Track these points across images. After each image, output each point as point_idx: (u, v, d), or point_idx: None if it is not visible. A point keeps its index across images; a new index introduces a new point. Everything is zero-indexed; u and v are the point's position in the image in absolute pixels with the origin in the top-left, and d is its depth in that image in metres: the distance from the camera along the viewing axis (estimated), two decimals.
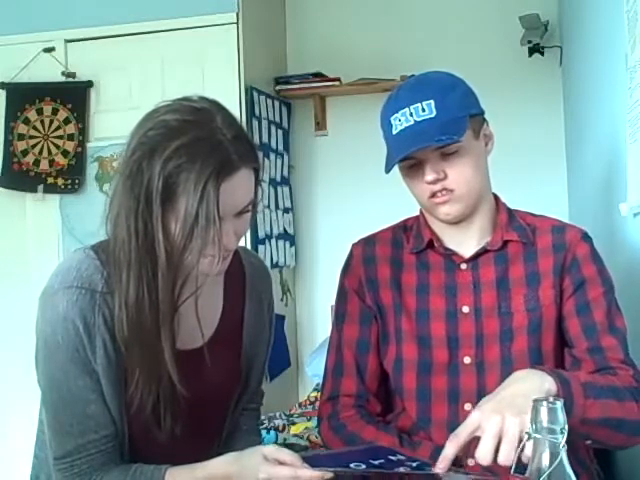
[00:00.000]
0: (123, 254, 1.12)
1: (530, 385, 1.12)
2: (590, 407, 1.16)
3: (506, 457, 1.04)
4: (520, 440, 1.03)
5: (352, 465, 1.09)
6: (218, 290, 1.30)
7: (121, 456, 1.20)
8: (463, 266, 1.39)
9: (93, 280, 1.14)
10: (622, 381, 1.25)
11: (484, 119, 1.38)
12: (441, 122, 1.28)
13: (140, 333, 1.13)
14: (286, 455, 1.07)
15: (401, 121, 1.30)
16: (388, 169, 1.31)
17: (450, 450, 1.08)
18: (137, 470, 1.16)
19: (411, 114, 1.29)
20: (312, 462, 1.07)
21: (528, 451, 1.00)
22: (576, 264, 1.36)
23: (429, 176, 1.31)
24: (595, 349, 1.30)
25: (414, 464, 1.11)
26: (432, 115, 1.28)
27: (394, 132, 1.32)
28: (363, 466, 1.09)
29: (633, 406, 1.22)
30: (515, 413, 1.06)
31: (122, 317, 1.13)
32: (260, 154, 1.19)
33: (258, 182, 1.17)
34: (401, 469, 1.10)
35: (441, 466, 1.07)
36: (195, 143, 1.08)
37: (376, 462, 1.08)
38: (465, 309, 1.36)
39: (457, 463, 1.29)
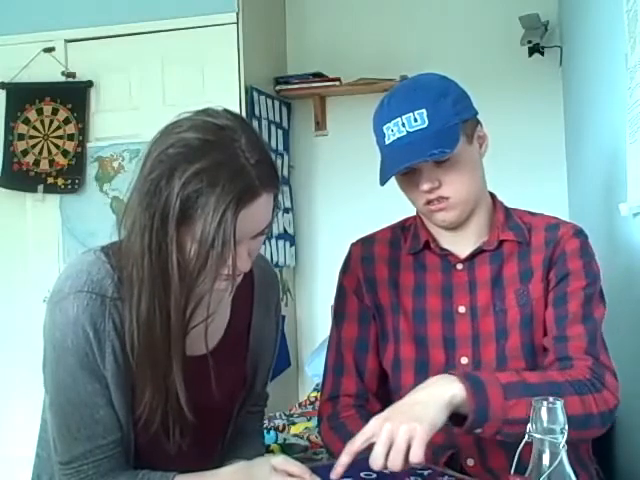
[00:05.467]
0: (136, 270, 1.10)
1: (433, 392, 1.12)
2: (513, 407, 1.13)
3: (393, 464, 1.05)
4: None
5: (362, 474, 1.08)
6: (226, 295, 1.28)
7: (127, 461, 1.18)
8: (459, 266, 1.38)
9: (103, 285, 1.12)
10: (572, 374, 1.22)
11: (477, 121, 1.37)
12: (433, 132, 1.27)
13: (150, 349, 1.11)
14: (295, 467, 1.07)
15: (393, 131, 1.29)
16: (383, 182, 1.31)
17: (345, 458, 1.07)
18: (145, 477, 1.15)
19: (403, 124, 1.28)
20: (320, 473, 1.07)
21: (413, 458, 1.03)
22: (562, 258, 1.35)
23: (424, 186, 1.31)
24: (560, 338, 1.29)
25: (425, 472, 1.10)
26: (424, 125, 1.27)
27: (387, 142, 1.31)
28: (374, 475, 1.08)
29: (575, 400, 1.17)
30: (406, 420, 1.06)
31: (133, 332, 1.11)
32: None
33: (276, 204, 1.14)
34: (411, 479, 1.09)
35: (334, 474, 1.07)
36: (216, 167, 1.03)
37: (387, 470, 1.07)
38: (461, 309, 1.36)
39: (454, 465, 1.29)
